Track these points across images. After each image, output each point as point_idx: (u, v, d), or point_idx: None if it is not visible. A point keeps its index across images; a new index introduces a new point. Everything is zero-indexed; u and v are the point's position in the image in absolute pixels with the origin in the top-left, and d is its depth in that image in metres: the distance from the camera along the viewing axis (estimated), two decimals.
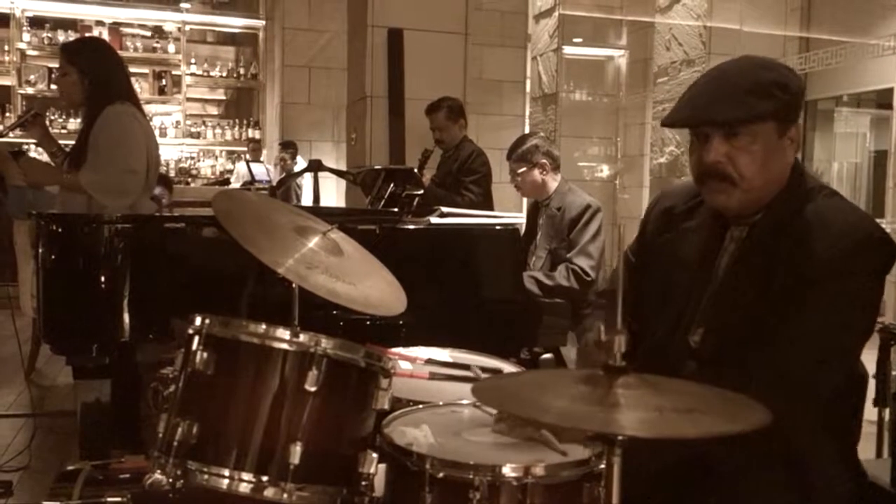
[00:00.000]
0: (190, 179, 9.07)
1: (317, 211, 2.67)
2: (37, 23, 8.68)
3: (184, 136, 9.22)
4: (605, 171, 8.79)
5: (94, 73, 3.19)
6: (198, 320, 1.38)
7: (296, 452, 1.29)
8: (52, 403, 4.24)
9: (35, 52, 8.71)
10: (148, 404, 1.59)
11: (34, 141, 3.89)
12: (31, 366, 4.64)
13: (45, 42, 8.62)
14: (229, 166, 9.37)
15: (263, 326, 1.34)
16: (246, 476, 1.29)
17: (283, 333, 1.34)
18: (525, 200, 7.53)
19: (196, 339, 1.36)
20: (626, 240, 1.81)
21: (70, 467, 1.65)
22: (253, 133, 9.37)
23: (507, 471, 1.25)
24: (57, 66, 3.67)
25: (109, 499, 1.49)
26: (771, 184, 1.54)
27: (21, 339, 3.58)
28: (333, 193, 7.79)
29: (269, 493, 1.29)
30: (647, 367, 1.14)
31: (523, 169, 3.44)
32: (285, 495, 1.29)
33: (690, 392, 1.13)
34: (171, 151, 9.10)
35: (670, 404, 1.04)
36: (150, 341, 2.59)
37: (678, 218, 1.73)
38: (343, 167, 5.97)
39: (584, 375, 1.11)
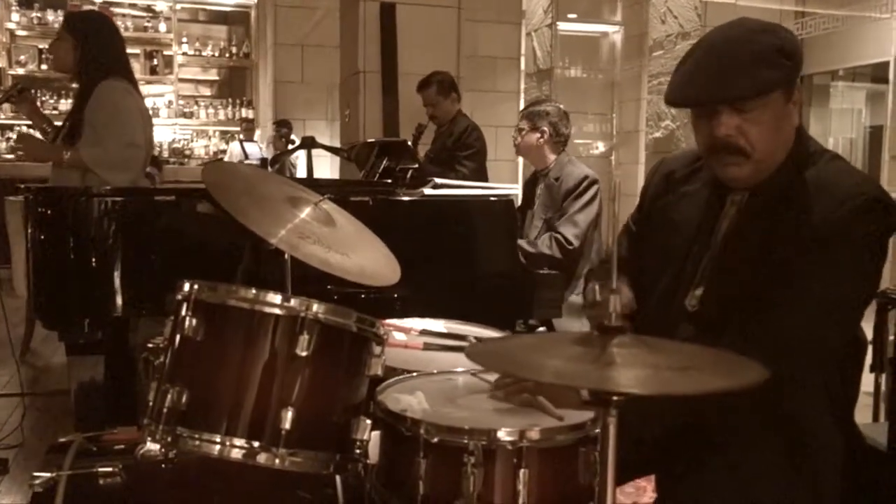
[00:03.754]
0: (184, 160, 9.01)
1: (309, 182, 2.65)
2: (25, 2, 8.60)
3: (176, 117, 9.17)
4: (600, 147, 8.74)
5: (88, 43, 3.19)
6: (186, 286, 1.36)
7: (287, 418, 1.28)
8: (46, 383, 4.22)
9: (24, 33, 8.64)
10: (140, 378, 1.57)
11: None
12: (26, 346, 4.63)
13: (35, 22, 8.54)
14: (223, 146, 9.33)
15: (253, 291, 1.32)
16: (238, 442, 1.28)
17: (273, 298, 1.32)
18: (521, 174, 7.51)
19: (185, 305, 1.34)
20: (622, 215, 1.79)
21: (62, 439, 1.63)
22: (246, 112, 9.32)
23: (502, 435, 1.24)
24: (46, 46, 3.67)
25: (101, 469, 1.47)
26: (780, 150, 1.52)
27: (15, 320, 3.56)
28: (327, 172, 7.75)
29: (261, 458, 1.28)
30: (644, 330, 1.13)
31: (525, 127, 3.45)
32: (277, 461, 1.28)
33: (686, 351, 1.12)
34: (165, 132, 9.04)
35: (666, 362, 1.02)
36: (143, 316, 2.57)
37: (678, 182, 1.70)
38: (337, 145, 5.92)
39: (578, 336, 1.10)
